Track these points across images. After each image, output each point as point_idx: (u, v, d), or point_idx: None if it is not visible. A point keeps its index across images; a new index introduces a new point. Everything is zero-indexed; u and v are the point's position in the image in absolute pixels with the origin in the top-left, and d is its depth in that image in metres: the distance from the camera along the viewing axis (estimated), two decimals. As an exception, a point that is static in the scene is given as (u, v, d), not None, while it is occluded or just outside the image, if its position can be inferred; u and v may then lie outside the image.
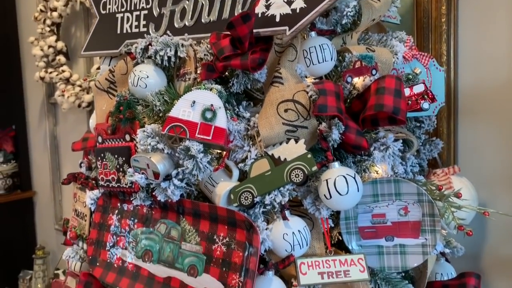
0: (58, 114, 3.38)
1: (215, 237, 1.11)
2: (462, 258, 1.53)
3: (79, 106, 2.82)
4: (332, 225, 1.20)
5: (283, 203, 1.09)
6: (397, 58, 1.28)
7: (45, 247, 3.42)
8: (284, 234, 1.07)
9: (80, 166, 1.46)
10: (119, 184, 1.24)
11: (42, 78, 2.93)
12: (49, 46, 2.85)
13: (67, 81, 2.85)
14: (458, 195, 1.09)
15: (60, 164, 3.47)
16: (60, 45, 2.88)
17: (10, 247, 3.61)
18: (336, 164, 1.08)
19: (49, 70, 2.91)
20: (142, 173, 1.13)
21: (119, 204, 1.30)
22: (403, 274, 1.24)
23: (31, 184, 3.71)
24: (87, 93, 2.79)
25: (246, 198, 1.10)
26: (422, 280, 1.25)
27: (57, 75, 2.86)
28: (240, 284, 1.04)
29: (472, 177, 1.47)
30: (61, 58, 2.87)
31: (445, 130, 1.74)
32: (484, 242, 1.70)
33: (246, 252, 1.06)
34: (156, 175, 1.10)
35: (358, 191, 1.06)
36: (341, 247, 1.21)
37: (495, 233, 1.67)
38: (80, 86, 2.84)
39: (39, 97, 3.39)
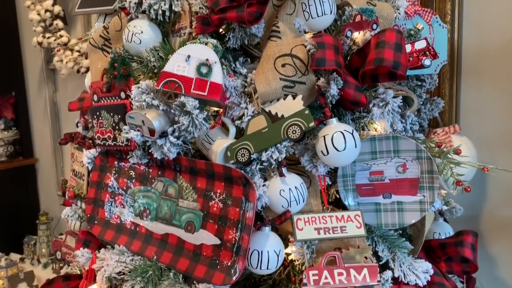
0: (57, 80, 3.35)
1: (211, 193, 1.11)
2: (460, 218, 1.53)
3: (78, 71, 2.79)
4: (329, 183, 1.19)
5: (280, 159, 1.08)
6: (399, 13, 1.24)
7: (48, 213, 3.46)
8: (281, 190, 1.07)
9: (77, 126, 1.45)
10: (115, 142, 1.23)
11: (40, 43, 2.88)
12: (46, 10, 2.80)
13: (65, 46, 2.81)
14: (457, 151, 1.07)
15: (61, 131, 3.46)
16: (57, 9, 2.82)
17: (14, 213, 3.65)
18: (334, 120, 1.07)
19: (47, 35, 2.86)
20: (138, 130, 1.11)
21: (116, 163, 1.30)
22: (400, 232, 1.25)
23: (33, 151, 3.72)
24: (86, 58, 2.75)
25: (242, 155, 1.09)
26: (419, 238, 1.25)
27: (55, 40, 2.82)
28: (237, 239, 1.05)
29: (473, 138, 1.45)
30: (59, 23, 2.82)
31: (447, 92, 1.71)
32: (483, 203, 1.70)
33: (243, 208, 1.05)
34: (152, 132, 1.09)
35: (355, 147, 1.04)
36: (338, 205, 1.21)
37: (494, 195, 1.67)
38: (78, 51, 2.80)
39: (38, 63, 3.35)
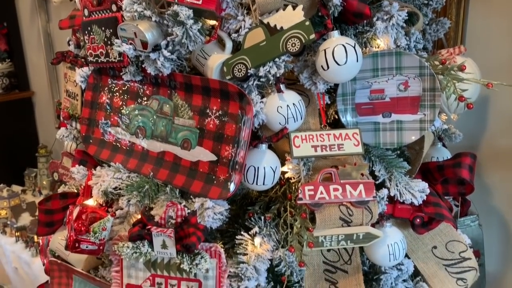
0: (50, 10, 3.23)
1: (207, 110, 1.09)
2: (458, 146, 1.52)
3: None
4: (328, 102, 1.16)
5: (278, 75, 1.05)
6: None
7: (47, 146, 3.47)
8: (279, 107, 1.04)
9: (68, 44, 1.40)
10: (108, 58, 1.18)
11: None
12: None
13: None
14: (462, 67, 1.03)
15: (56, 63, 3.38)
16: None
17: (14, 146, 3.67)
18: (336, 33, 1.02)
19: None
20: (130, 44, 1.07)
21: (109, 81, 1.26)
22: (398, 153, 1.24)
23: (29, 84, 3.67)
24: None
25: (239, 70, 1.05)
26: (417, 160, 1.24)
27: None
28: (233, 155, 1.04)
29: (478, 64, 1.41)
30: None
31: (454, 17, 1.64)
32: (482, 132, 1.69)
33: (239, 124, 1.03)
34: (144, 44, 1.04)
35: (357, 61, 1.00)
36: (336, 127, 1.19)
37: (493, 124, 1.65)
38: (69, -24, 2.67)
39: (28, -9, 3.22)
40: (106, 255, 1.18)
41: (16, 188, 3.48)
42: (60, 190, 1.34)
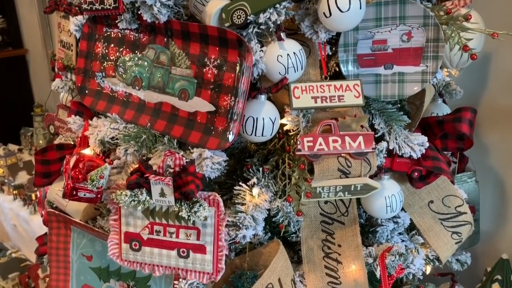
0: (41, -37, 3.12)
1: (205, 59, 1.06)
2: (459, 103, 1.51)
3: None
4: (330, 53, 1.14)
5: (278, 22, 1.02)
6: None
7: (42, 105, 3.43)
8: (279, 56, 1.02)
9: (61, -8, 1.34)
10: (102, 6, 1.14)
11: None
12: None
13: None
14: (467, 16, 1.01)
15: (49, 20, 3.30)
16: None
17: (9, 105, 3.63)
18: (338, -22, 0.98)
19: None
20: (126, -12, 1.03)
21: (105, 30, 1.23)
22: (399, 106, 1.22)
23: (22, 41, 3.59)
24: None
25: (238, 16, 1.02)
26: (417, 115, 1.23)
27: None
28: (232, 104, 1.02)
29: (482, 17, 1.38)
30: None
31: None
32: (483, 91, 1.67)
33: (238, 73, 1.01)
34: (141, -12, 1.00)
35: (360, 8, 0.97)
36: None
37: (494, 83, 1.64)
38: None
39: None
40: (104, 205, 1.18)
41: (13, 147, 3.48)
42: (56, 141, 1.33)
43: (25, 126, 3.52)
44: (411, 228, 1.30)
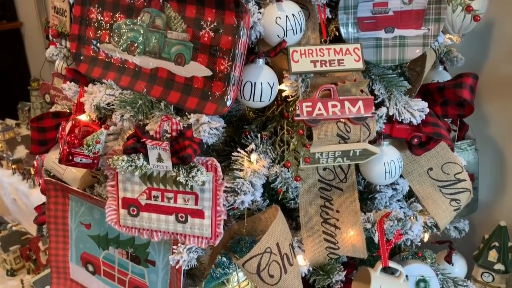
0: None
1: (202, 22, 1.03)
2: (459, 70, 1.49)
3: None
4: (330, 16, 1.11)
5: (276, -17, 0.99)
6: None
7: (39, 79, 3.39)
8: (277, 18, 0.99)
9: (53, -45, 1.31)
10: (95, -32, 1.11)
11: None
12: None
13: None
14: (471, -24, 0.98)
15: (43, -8, 3.24)
16: None
17: (5, 80, 3.60)
18: None
19: None
20: None
21: (98, -6, 1.20)
22: (399, 71, 1.21)
23: (17, 14, 3.53)
24: None
25: (235, -23, 0.99)
26: (417, 81, 1.21)
27: None
28: (229, 69, 1.00)
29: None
30: None
31: None
32: (484, 59, 1.65)
33: (235, 35, 0.99)
34: None
35: (360, -33, 0.95)
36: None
37: (496, 51, 1.61)
38: None
39: None
40: (101, 172, 1.17)
41: (10, 121, 3.45)
42: (52, 109, 1.31)
43: (22, 101, 3.50)
44: (410, 195, 1.30)
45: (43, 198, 2.81)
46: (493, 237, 1.43)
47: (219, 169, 0.99)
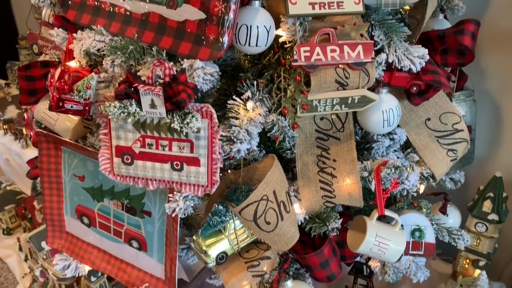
0: None
1: (195, -38, 0.98)
2: (460, 19, 1.45)
3: None
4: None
5: None
6: None
7: (27, 37, 3.30)
8: (273, -44, 0.95)
9: None
10: None
11: None
12: None
13: None
14: None
15: None
16: None
17: (-8, 39, 3.49)
18: None
19: None
20: None
21: None
22: (399, 18, 1.17)
23: (0, -31, 3.39)
24: None
25: None
26: (418, 29, 1.17)
27: None
28: (223, 11, 0.96)
29: None
30: None
31: None
32: (484, 11, 1.60)
33: (230, -25, 0.94)
34: None
35: None
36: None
37: (497, 3, 1.57)
38: None
39: None
40: (94, 122, 1.15)
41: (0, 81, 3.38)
42: (40, 59, 1.27)
43: (11, 60, 3.41)
44: (407, 146, 1.29)
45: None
46: (488, 188, 1.44)
47: (215, 115, 0.97)
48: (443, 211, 1.43)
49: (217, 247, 1.08)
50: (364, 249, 1.12)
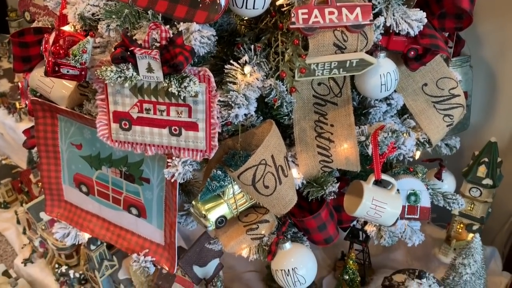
0: None
1: None
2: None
3: None
4: None
5: None
6: None
7: (16, 9, 3.22)
8: None
9: None
10: None
11: None
12: None
13: None
14: None
15: None
16: None
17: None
18: None
19: None
20: None
21: None
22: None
23: None
24: None
25: None
26: (416, -8, 1.16)
27: None
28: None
29: None
30: None
31: None
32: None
33: None
34: None
35: None
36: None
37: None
38: None
39: None
40: (90, 89, 1.14)
41: (-10, 55, 3.33)
42: (34, 25, 1.24)
43: (1, 33, 3.35)
44: (403, 112, 1.30)
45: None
46: (483, 153, 1.45)
47: (212, 79, 0.96)
48: (439, 176, 1.45)
49: (216, 211, 1.09)
50: (361, 213, 1.14)
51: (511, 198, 1.71)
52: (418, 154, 1.39)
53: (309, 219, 1.11)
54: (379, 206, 1.14)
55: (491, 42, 1.63)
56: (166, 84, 0.94)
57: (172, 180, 1.04)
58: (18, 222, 2.55)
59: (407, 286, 1.33)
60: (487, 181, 1.46)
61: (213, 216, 1.09)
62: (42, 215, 1.86)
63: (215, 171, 1.08)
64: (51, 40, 0.99)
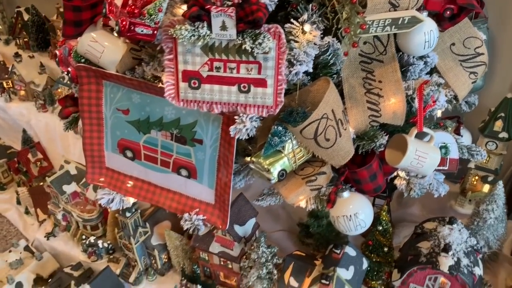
0: None
1: None
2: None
3: None
4: None
5: None
6: None
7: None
8: None
9: None
10: None
11: None
12: None
13: None
14: None
15: None
16: None
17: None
18: None
19: None
20: None
21: None
22: None
23: None
24: None
25: None
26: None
27: None
28: None
29: None
30: None
31: None
32: None
33: None
34: None
35: None
36: None
37: None
38: None
39: None
40: (146, 51, 1.15)
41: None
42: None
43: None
44: (431, 71, 1.38)
45: (21, 112, 2.73)
46: (500, 108, 1.57)
47: (283, 36, 1.00)
48: (457, 132, 1.56)
49: (278, 165, 1.14)
50: (405, 163, 1.22)
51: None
52: (439, 113, 1.49)
53: (362, 170, 1.19)
54: (422, 156, 1.23)
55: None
56: (240, 41, 0.98)
57: (237, 136, 1.08)
58: (18, 202, 2.50)
59: (439, 231, 1.44)
60: (503, 135, 1.58)
61: (275, 169, 1.14)
62: (66, 187, 1.85)
63: (275, 127, 1.13)
64: (117, 1, 1.00)
